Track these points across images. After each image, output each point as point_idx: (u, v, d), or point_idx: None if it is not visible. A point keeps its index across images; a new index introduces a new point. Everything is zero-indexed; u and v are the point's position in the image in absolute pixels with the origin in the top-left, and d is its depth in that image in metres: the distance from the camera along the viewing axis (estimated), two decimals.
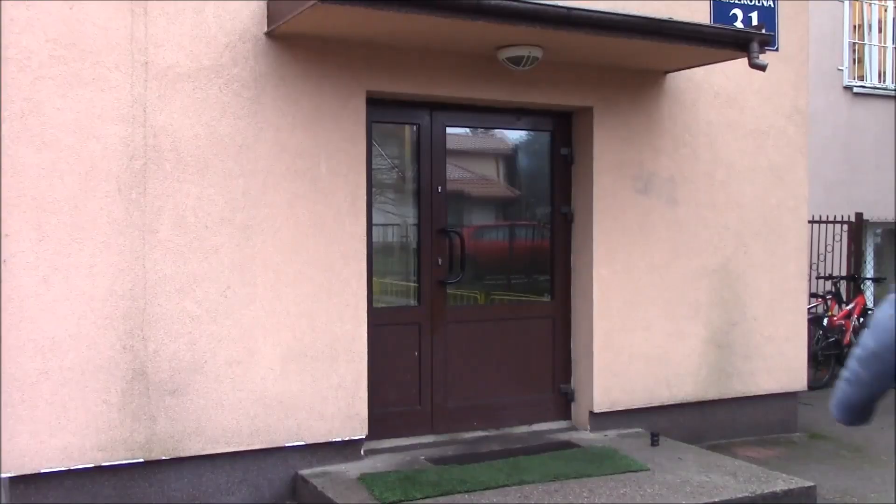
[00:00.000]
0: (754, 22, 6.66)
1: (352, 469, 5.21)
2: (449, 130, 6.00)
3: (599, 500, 4.70)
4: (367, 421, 5.40)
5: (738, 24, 6.58)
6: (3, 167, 4.45)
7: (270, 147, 5.09)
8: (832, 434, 7.09)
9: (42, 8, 4.52)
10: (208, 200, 4.92)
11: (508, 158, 6.50)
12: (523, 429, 6.20)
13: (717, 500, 4.78)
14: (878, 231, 11.80)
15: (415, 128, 5.92)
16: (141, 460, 4.78)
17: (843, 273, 10.55)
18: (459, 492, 4.77)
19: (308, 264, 5.20)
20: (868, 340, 2.83)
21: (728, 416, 6.77)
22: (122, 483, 4.78)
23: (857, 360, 2.86)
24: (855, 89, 11.54)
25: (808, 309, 8.19)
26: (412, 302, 5.95)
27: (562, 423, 6.36)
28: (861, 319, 9.74)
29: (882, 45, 11.94)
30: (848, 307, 9.69)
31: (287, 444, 5.16)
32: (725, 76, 6.62)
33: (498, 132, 6.39)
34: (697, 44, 5.46)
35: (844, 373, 2.91)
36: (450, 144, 6.00)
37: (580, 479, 5.02)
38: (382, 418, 5.69)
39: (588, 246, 6.20)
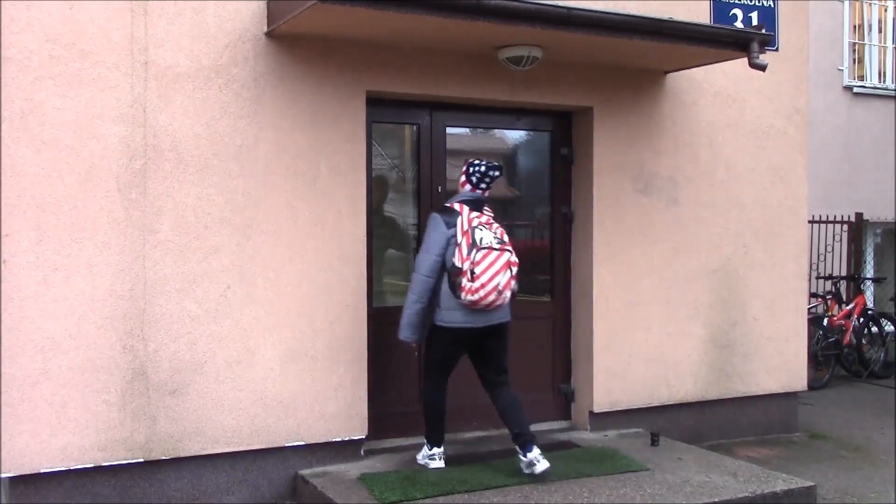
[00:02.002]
0: (754, 22, 6.66)
1: (352, 469, 5.21)
2: (449, 130, 6.00)
3: (599, 500, 4.70)
4: (367, 421, 5.40)
5: (738, 24, 6.59)
6: (3, 167, 4.45)
7: (270, 147, 5.09)
8: (832, 434, 7.09)
9: (42, 8, 4.53)
10: (208, 200, 4.92)
11: (508, 158, 6.50)
12: None
13: (717, 500, 4.79)
14: (878, 231, 11.80)
15: (415, 128, 5.92)
16: (141, 460, 4.78)
17: (843, 273, 10.55)
18: (459, 492, 4.77)
19: (308, 264, 5.20)
20: (418, 267, 4.89)
21: (728, 415, 6.77)
22: (122, 483, 4.78)
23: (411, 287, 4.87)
24: (855, 89, 11.54)
25: (808, 309, 8.19)
26: None
27: (562, 423, 6.36)
28: (861, 319, 9.75)
29: (882, 45, 11.93)
30: (848, 307, 9.70)
31: (287, 444, 5.16)
32: (725, 76, 6.62)
33: (498, 132, 6.39)
34: (697, 44, 5.47)
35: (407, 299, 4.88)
36: (450, 144, 6.00)
37: (580, 479, 5.02)
38: (382, 418, 5.69)
39: (588, 246, 6.20)
